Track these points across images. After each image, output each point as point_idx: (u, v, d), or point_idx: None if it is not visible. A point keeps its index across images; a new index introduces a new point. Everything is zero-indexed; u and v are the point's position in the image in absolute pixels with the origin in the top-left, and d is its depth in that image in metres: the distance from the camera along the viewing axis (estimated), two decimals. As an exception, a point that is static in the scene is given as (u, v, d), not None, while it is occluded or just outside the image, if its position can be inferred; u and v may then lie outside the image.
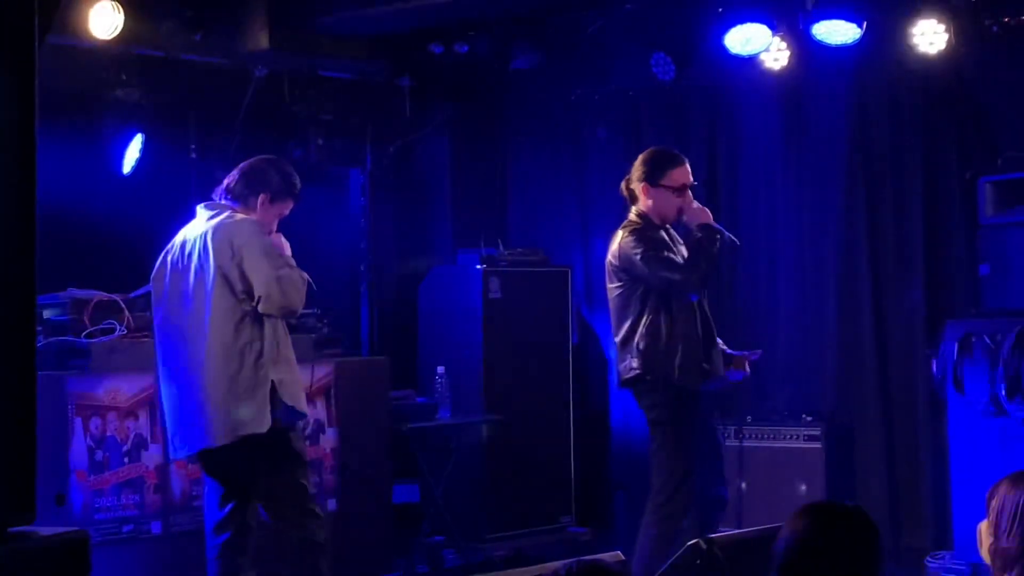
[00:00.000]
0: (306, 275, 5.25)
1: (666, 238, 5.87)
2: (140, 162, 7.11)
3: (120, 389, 5.87)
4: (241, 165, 5.43)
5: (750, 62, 7.42)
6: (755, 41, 7.27)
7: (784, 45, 7.33)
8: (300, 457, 5.33)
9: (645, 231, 5.81)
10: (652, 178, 5.83)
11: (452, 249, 8.37)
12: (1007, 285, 6.86)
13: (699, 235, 5.81)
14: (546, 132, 8.75)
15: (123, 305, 6.00)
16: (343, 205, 8.41)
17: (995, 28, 6.90)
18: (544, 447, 7.93)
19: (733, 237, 5.93)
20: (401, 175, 8.55)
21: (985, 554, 3.34)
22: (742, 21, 7.23)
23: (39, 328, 5.50)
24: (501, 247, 8.00)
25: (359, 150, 8.26)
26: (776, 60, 7.39)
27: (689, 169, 5.89)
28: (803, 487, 7.33)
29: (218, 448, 5.14)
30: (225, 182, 5.38)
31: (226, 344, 5.11)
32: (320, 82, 7.95)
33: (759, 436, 7.43)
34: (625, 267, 5.80)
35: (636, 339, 5.82)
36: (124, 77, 7.06)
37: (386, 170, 8.42)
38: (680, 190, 5.82)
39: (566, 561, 2.83)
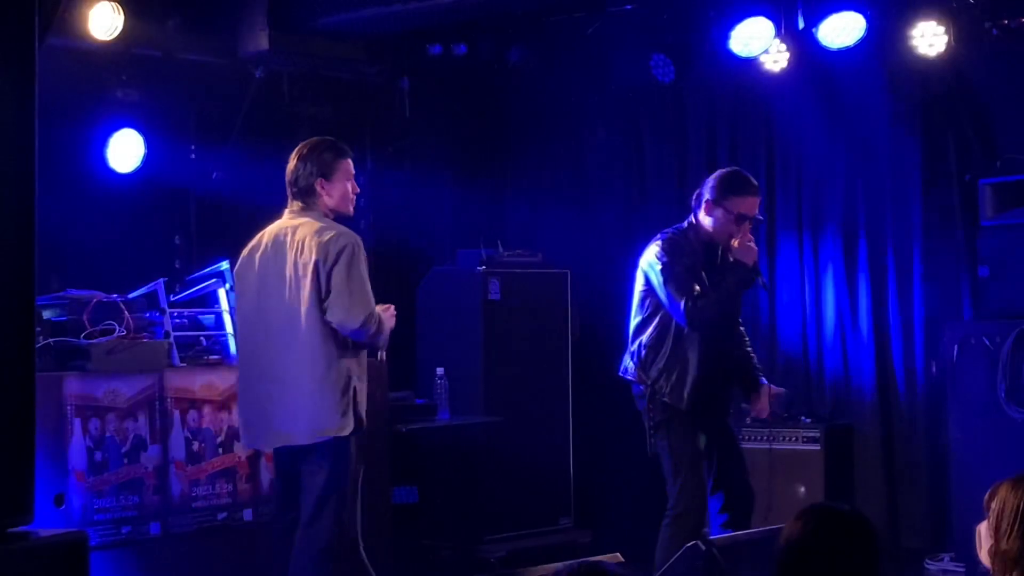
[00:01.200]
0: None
1: (698, 263, 5.82)
2: (139, 162, 7.10)
3: (119, 390, 5.86)
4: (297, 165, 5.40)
5: (750, 63, 7.43)
6: (757, 41, 7.28)
7: (784, 47, 7.34)
8: (356, 463, 5.40)
9: (681, 244, 5.82)
10: (717, 196, 5.83)
11: (452, 249, 8.36)
12: (1006, 287, 6.85)
13: (731, 274, 5.82)
14: (546, 132, 8.74)
15: (122, 306, 5.99)
16: (342, 205, 8.38)
17: (995, 30, 6.91)
18: (543, 448, 7.92)
19: (766, 282, 5.94)
20: (401, 175, 8.54)
21: (984, 556, 3.33)
22: (742, 21, 7.24)
23: (38, 328, 5.50)
24: (501, 248, 7.99)
25: (359, 150, 8.24)
26: (776, 62, 7.40)
27: (756, 203, 5.89)
28: (802, 489, 7.33)
29: (300, 447, 5.23)
30: (294, 189, 5.37)
31: (329, 350, 5.18)
32: (320, 82, 7.95)
33: (758, 438, 7.42)
34: (646, 271, 5.85)
35: (640, 345, 5.88)
36: (124, 77, 7.06)
37: (386, 170, 8.41)
38: (737, 218, 5.80)
39: (567, 563, 2.82)
